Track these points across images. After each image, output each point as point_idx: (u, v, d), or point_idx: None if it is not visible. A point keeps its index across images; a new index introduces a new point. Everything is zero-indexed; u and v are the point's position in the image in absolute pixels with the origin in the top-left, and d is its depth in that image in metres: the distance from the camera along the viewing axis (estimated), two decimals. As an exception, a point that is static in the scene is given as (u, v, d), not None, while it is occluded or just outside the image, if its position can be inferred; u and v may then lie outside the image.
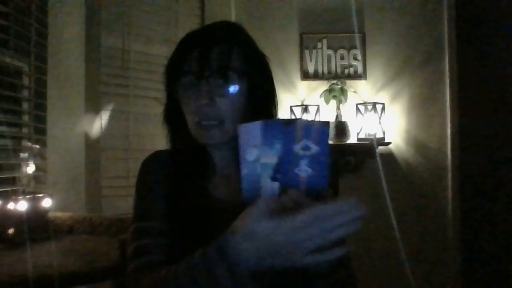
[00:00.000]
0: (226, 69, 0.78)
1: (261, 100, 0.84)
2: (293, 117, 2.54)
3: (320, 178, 0.63)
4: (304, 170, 0.62)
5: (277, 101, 0.88)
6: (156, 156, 0.90)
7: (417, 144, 2.74)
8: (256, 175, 0.63)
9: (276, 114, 0.88)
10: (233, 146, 0.84)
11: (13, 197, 1.43)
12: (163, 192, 0.84)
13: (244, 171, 0.64)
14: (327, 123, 0.63)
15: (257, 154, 0.62)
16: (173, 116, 0.86)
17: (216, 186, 0.85)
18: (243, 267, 0.61)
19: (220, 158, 0.87)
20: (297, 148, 0.61)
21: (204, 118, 0.78)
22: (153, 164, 0.89)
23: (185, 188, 0.83)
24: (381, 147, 2.64)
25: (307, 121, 0.62)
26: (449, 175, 2.72)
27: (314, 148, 0.61)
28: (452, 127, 2.73)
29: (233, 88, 0.79)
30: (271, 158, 0.62)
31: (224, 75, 0.78)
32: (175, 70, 0.81)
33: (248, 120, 0.82)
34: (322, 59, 2.75)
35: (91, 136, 2.11)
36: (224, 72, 0.78)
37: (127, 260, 0.80)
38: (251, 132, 0.62)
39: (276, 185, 0.62)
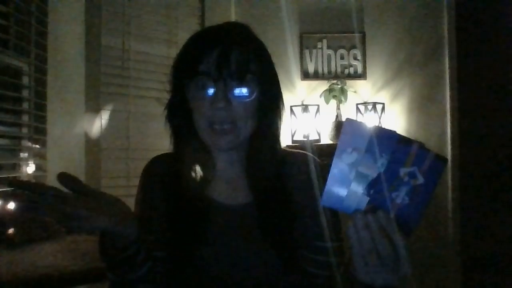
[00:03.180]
0: (244, 72, 0.76)
1: (271, 104, 0.83)
2: (293, 117, 2.54)
3: (414, 213, 0.57)
4: (401, 197, 0.57)
5: (284, 106, 0.87)
6: (156, 163, 0.88)
7: (417, 144, 2.73)
8: (346, 180, 0.57)
9: (281, 119, 0.86)
10: (239, 150, 0.83)
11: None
12: (161, 203, 0.82)
13: (334, 170, 0.58)
14: (445, 160, 0.56)
15: (357, 159, 0.56)
16: (178, 116, 0.83)
17: (217, 189, 0.83)
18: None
19: (224, 161, 0.85)
20: (403, 172, 0.56)
21: (218, 121, 0.76)
22: (152, 173, 0.87)
23: (184, 193, 0.81)
24: (381, 147, 2.64)
25: (425, 148, 0.56)
26: (449, 175, 2.72)
27: (420, 180, 0.56)
28: (452, 127, 2.73)
29: (249, 92, 0.77)
30: (371, 170, 0.56)
31: (242, 79, 0.76)
32: (188, 70, 0.78)
33: (258, 124, 0.80)
34: (322, 59, 2.75)
35: (91, 136, 2.11)
36: (243, 75, 0.76)
37: None
38: (359, 133, 0.56)
39: (365, 199, 0.57)
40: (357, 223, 0.57)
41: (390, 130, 0.57)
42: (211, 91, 0.76)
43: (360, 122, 0.58)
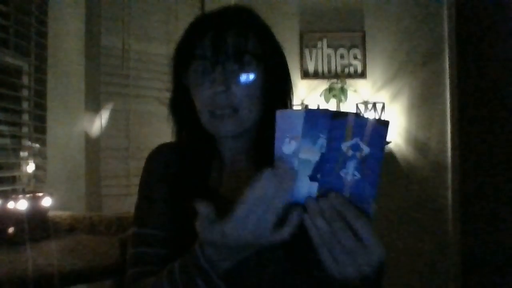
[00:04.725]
0: (242, 54, 0.72)
1: (277, 89, 0.79)
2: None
3: (368, 185, 0.54)
4: (351, 173, 0.53)
5: (292, 91, 0.83)
6: (161, 151, 0.84)
7: (417, 143, 2.74)
8: None
9: (291, 104, 0.82)
10: (247, 138, 0.78)
11: (13, 196, 1.43)
12: (166, 193, 0.78)
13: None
14: (386, 122, 0.53)
15: (296, 147, 0.54)
16: (181, 106, 0.80)
17: (224, 183, 0.78)
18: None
19: (231, 152, 0.80)
20: (346, 146, 0.53)
21: (218, 106, 0.72)
22: (157, 161, 0.83)
23: (189, 188, 0.76)
24: (381, 147, 2.64)
25: (362, 116, 0.54)
26: (449, 175, 2.72)
27: (366, 150, 0.53)
28: (452, 127, 2.73)
29: (249, 75, 0.73)
30: (312, 154, 0.53)
31: (241, 61, 0.72)
32: (185, 55, 0.75)
33: (263, 109, 0.76)
34: (322, 58, 2.75)
35: (91, 135, 2.11)
36: (241, 57, 0.72)
37: (126, 265, 0.77)
38: (292, 121, 0.54)
39: (315, 185, 0.54)
40: (310, 212, 0.53)
41: (322, 109, 0.54)
42: (208, 75, 0.73)
43: (291, 110, 0.57)
